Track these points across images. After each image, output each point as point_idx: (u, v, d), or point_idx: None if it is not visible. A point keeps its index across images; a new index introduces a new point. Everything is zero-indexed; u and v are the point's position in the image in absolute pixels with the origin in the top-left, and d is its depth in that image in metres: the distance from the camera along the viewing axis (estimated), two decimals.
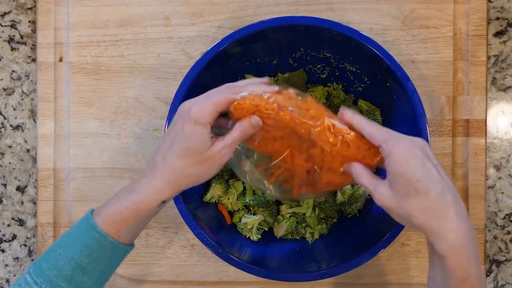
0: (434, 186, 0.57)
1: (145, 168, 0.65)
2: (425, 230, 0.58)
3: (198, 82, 0.75)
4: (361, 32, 0.72)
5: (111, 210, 0.63)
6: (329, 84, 0.83)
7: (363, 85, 0.81)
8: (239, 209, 0.82)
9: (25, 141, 0.88)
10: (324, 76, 0.82)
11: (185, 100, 0.74)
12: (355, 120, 0.62)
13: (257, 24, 0.73)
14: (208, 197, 0.80)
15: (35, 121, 0.88)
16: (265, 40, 0.76)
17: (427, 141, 0.72)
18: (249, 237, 0.81)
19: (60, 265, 0.61)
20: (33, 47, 0.88)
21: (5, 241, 0.88)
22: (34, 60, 0.88)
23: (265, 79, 0.67)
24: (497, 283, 0.85)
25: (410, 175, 0.57)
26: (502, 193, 0.85)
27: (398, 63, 0.72)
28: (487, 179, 0.85)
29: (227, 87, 0.65)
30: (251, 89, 0.64)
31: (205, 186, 0.82)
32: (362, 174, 0.62)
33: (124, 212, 0.63)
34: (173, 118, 0.64)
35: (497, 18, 0.85)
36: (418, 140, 0.60)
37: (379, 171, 0.77)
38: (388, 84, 0.76)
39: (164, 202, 0.64)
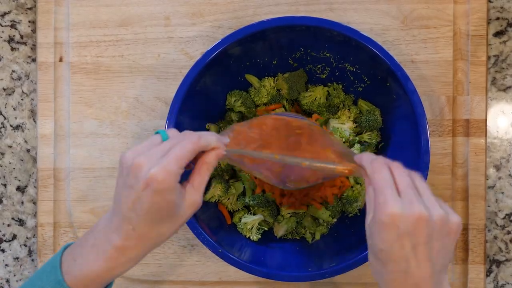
0: (396, 263, 0.53)
1: (110, 221, 0.58)
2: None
3: (198, 82, 0.75)
4: (361, 32, 0.72)
5: (80, 271, 0.58)
6: (329, 84, 0.83)
7: (363, 85, 0.81)
8: (239, 209, 0.82)
9: (25, 141, 0.88)
10: (324, 76, 0.82)
11: (184, 100, 0.74)
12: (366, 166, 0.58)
13: (257, 24, 0.73)
14: (208, 196, 0.80)
15: (35, 121, 0.88)
16: (265, 40, 0.76)
17: (427, 141, 0.72)
18: (249, 237, 0.81)
19: None
20: (33, 47, 0.88)
21: (5, 241, 0.88)
22: (34, 60, 0.88)
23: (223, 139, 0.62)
24: (497, 283, 0.85)
25: (376, 242, 0.54)
26: (502, 193, 0.85)
27: (398, 63, 0.72)
28: (487, 179, 0.85)
29: (183, 135, 0.59)
30: (209, 137, 0.59)
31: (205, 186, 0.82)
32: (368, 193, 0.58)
33: (94, 276, 0.57)
34: (123, 169, 0.57)
35: (497, 18, 0.85)
36: (416, 211, 0.53)
37: None
38: (388, 84, 0.76)
39: None
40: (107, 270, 0.58)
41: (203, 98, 0.80)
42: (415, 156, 0.73)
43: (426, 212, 0.53)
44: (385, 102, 0.79)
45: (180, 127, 0.75)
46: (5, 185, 0.88)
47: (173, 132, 0.60)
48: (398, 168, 0.57)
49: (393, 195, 0.54)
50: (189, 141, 0.57)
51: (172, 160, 0.55)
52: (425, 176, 0.72)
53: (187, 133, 0.59)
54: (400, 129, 0.78)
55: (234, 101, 0.81)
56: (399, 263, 0.53)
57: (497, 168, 0.85)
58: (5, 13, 0.88)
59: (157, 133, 0.59)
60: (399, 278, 0.53)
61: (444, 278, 0.55)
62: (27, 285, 0.60)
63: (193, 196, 0.58)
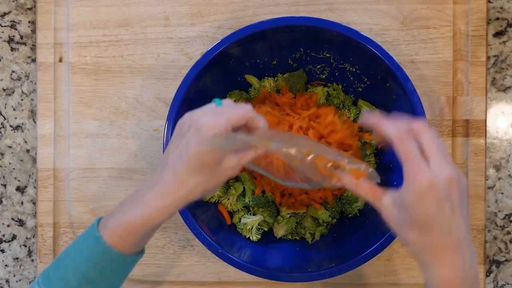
0: (440, 228, 0.55)
1: (151, 176, 0.62)
2: (417, 259, 0.58)
3: (198, 82, 0.75)
4: (361, 32, 0.72)
5: (117, 222, 0.60)
6: (329, 84, 0.83)
7: (363, 86, 0.81)
8: (238, 209, 0.82)
9: (25, 141, 0.88)
10: (324, 76, 0.82)
11: (184, 101, 0.74)
12: (381, 125, 0.59)
13: (257, 24, 0.73)
14: (207, 197, 0.80)
15: (35, 121, 0.88)
16: (265, 41, 0.76)
17: None
18: (249, 237, 0.81)
19: (67, 276, 0.61)
20: (33, 47, 0.88)
21: (5, 241, 0.88)
22: (34, 60, 0.88)
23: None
24: (497, 283, 0.85)
25: (419, 213, 0.55)
26: (502, 193, 0.85)
27: (397, 63, 0.72)
28: (487, 180, 0.85)
29: (236, 104, 0.63)
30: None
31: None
32: (359, 184, 0.60)
33: (131, 225, 0.60)
34: (179, 125, 0.62)
35: (497, 19, 0.85)
36: (446, 173, 0.55)
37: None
38: (388, 85, 0.76)
39: (172, 214, 0.62)
40: (141, 217, 0.60)
41: (203, 98, 0.80)
42: None
43: (456, 174, 0.55)
44: (385, 102, 0.79)
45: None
46: (5, 185, 0.88)
47: (227, 101, 0.64)
48: (421, 131, 0.58)
49: (424, 163, 0.55)
50: (241, 107, 0.61)
51: (222, 116, 0.59)
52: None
53: (242, 104, 0.63)
54: None
55: (234, 101, 0.81)
56: (444, 227, 0.55)
57: (497, 168, 0.85)
58: (5, 13, 0.88)
59: (213, 101, 0.63)
60: (445, 242, 0.55)
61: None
62: (69, 249, 0.63)
63: (232, 162, 0.60)
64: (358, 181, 0.61)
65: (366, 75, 0.79)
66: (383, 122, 0.58)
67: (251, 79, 0.82)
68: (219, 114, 0.59)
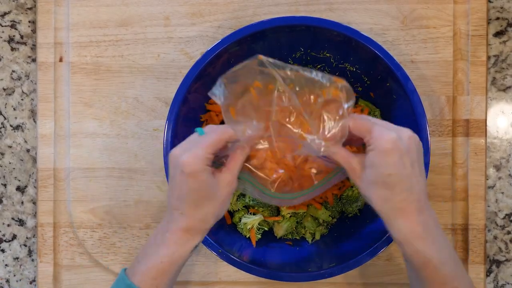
0: (403, 182, 0.59)
1: (162, 222, 0.65)
2: (382, 217, 0.61)
3: (198, 82, 0.75)
4: (361, 32, 0.72)
5: (146, 267, 0.63)
6: None
7: (363, 85, 0.81)
8: (239, 209, 0.82)
9: (25, 141, 0.88)
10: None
11: (184, 100, 0.74)
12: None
13: (257, 24, 0.73)
14: None
15: (35, 121, 0.88)
16: (265, 40, 0.76)
17: (427, 141, 0.72)
18: (249, 237, 0.81)
19: None
20: (33, 47, 0.88)
21: (5, 241, 0.88)
22: (34, 60, 0.88)
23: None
24: (497, 283, 0.85)
25: (384, 169, 0.59)
26: (502, 193, 0.85)
27: (398, 63, 0.72)
28: (487, 179, 0.85)
29: (216, 128, 0.65)
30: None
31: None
32: (336, 152, 0.63)
33: (160, 266, 0.63)
34: (169, 166, 0.64)
35: (497, 18, 0.85)
36: (405, 132, 0.61)
37: None
38: (388, 84, 0.76)
39: (196, 247, 0.65)
40: (168, 256, 0.63)
41: (203, 98, 0.80)
42: None
43: (412, 132, 0.61)
44: (385, 102, 0.79)
45: (180, 127, 0.75)
46: (5, 185, 0.88)
47: (209, 128, 0.65)
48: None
49: (384, 126, 0.61)
50: (217, 132, 0.63)
51: (199, 147, 0.61)
52: (425, 175, 0.72)
53: (221, 127, 0.65)
54: None
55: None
56: (405, 181, 0.59)
57: (497, 168, 0.85)
58: (5, 13, 0.88)
59: (195, 131, 0.65)
60: (407, 197, 0.60)
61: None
62: None
63: (227, 176, 0.63)
64: (336, 148, 0.63)
65: (366, 74, 0.79)
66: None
67: None
68: (196, 147, 0.61)
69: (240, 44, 0.74)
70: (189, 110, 0.77)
